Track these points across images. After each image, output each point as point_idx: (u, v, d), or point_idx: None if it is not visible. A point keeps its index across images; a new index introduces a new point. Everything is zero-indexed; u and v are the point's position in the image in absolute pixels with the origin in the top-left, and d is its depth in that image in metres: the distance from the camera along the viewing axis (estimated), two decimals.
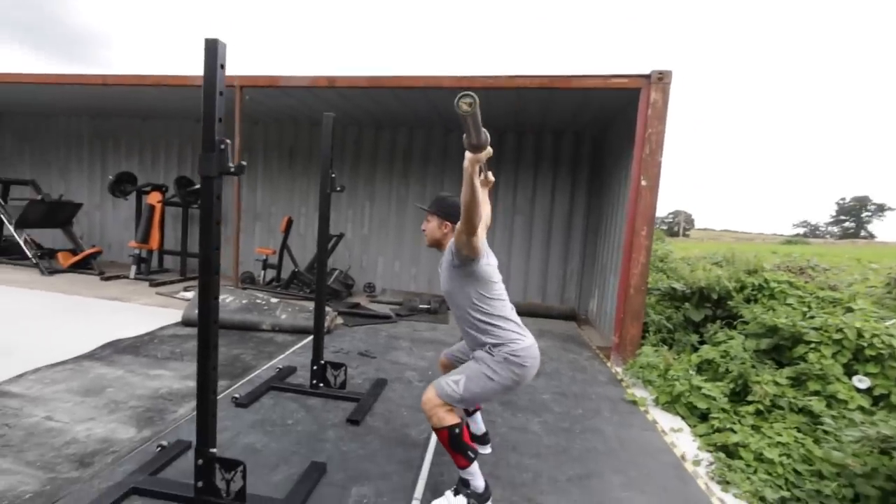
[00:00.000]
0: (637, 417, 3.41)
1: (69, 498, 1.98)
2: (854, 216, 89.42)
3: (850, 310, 3.95)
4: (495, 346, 2.12)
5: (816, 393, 3.33)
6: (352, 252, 7.39)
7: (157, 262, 7.76)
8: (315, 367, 3.24)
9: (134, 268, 6.96)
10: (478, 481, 2.16)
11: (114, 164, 8.33)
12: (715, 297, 4.57)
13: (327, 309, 4.93)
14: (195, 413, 1.98)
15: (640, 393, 3.81)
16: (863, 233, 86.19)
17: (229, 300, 4.84)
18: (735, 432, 3.10)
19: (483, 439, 2.68)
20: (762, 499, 2.53)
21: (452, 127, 7.00)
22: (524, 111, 5.84)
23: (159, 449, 2.34)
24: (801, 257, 6.00)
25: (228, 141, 1.82)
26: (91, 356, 3.70)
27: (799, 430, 3.13)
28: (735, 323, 4.37)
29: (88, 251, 7.24)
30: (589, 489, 2.43)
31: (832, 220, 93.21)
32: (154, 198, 6.98)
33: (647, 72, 4.36)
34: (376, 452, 2.58)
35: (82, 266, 7.15)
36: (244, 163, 1.87)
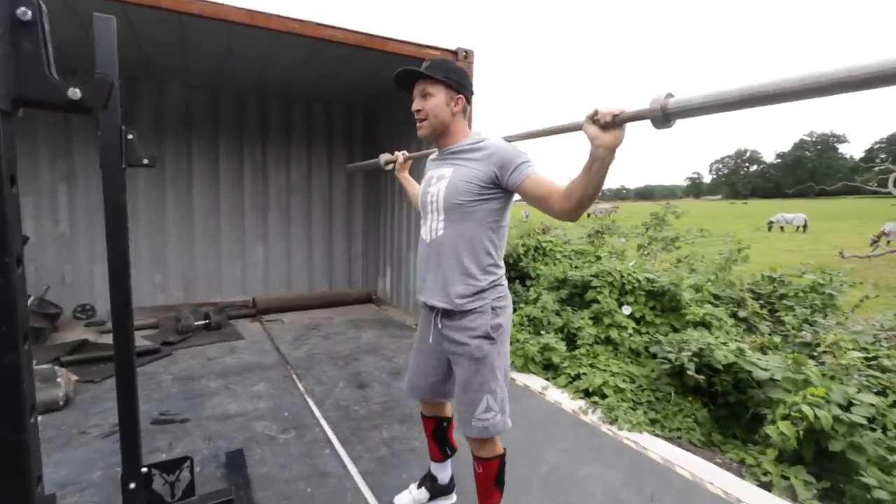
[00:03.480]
0: (513, 388, 3.41)
1: None
2: None
3: (598, 258, 5.07)
4: (485, 302, 1.57)
5: (610, 325, 4.12)
6: (40, 263, 4.47)
7: None
8: (133, 485, 1.75)
9: None
10: None
11: None
12: (512, 260, 5.02)
13: (54, 368, 2.83)
14: None
15: None
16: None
17: None
18: (586, 375, 3.52)
19: (451, 487, 2.06)
20: (645, 423, 2.94)
21: (197, 84, 5.07)
22: (305, 74, 4.76)
23: None
24: (537, 220, 7.37)
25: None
26: None
27: (608, 357, 3.82)
28: (526, 281, 4.96)
29: None
30: (551, 476, 2.25)
31: None
32: None
33: (453, 48, 4.19)
34: None
35: None
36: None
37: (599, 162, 1.18)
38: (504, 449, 1.69)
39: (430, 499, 1.99)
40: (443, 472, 1.99)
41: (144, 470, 1.80)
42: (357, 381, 3.33)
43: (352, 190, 6.14)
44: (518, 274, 5.10)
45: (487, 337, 1.56)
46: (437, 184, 1.60)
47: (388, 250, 5.96)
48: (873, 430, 2.64)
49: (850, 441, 2.52)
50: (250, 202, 5.45)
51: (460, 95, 1.59)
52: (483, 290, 1.56)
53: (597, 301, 4.27)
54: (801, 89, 0.84)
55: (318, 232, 5.92)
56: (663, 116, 1.03)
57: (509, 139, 1.63)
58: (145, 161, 1.78)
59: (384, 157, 2.28)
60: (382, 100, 5.82)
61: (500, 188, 1.49)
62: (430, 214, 1.62)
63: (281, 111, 5.58)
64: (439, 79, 1.54)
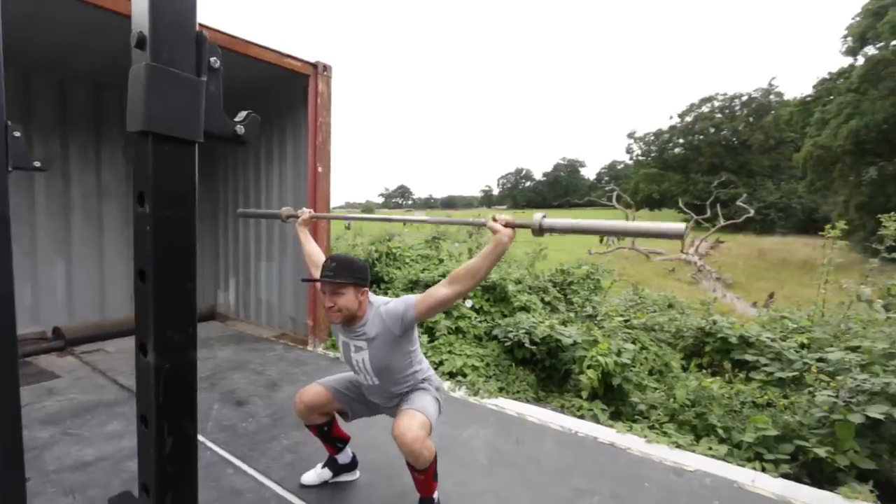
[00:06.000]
0: None
1: None
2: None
3: (441, 261, 5.72)
4: (425, 380, 2.04)
5: (459, 317, 4.78)
6: None
7: None
8: None
9: None
10: (437, 493, 2.00)
11: None
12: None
13: None
14: None
15: None
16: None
17: None
18: (447, 360, 4.05)
19: (353, 465, 2.30)
20: (497, 391, 3.61)
21: None
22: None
23: None
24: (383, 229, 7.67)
25: None
26: None
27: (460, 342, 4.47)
28: (381, 284, 5.27)
29: None
30: (443, 442, 2.65)
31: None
32: None
33: (313, 60, 4.25)
34: None
35: None
36: None
37: (501, 246, 1.67)
38: (435, 452, 1.91)
39: (334, 476, 2.23)
40: (342, 456, 2.24)
41: None
42: (233, 400, 3.12)
43: None
44: (373, 278, 5.37)
45: (424, 380, 2.01)
46: (358, 353, 1.91)
47: (230, 261, 5.46)
48: (633, 367, 3.87)
49: (623, 376, 3.65)
50: (44, 208, 4.27)
51: (364, 287, 1.87)
52: (416, 378, 1.99)
53: None
54: (610, 230, 1.50)
55: None
56: (539, 230, 1.58)
57: (424, 221, 2.05)
58: (37, 164, 1.49)
59: (286, 210, 2.41)
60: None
61: (407, 331, 1.85)
62: (361, 372, 1.94)
63: (90, 98, 4.55)
64: (348, 282, 1.80)
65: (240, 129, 0.74)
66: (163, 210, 0.63)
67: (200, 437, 2.58)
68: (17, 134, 1.42)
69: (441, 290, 1.75)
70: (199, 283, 5.72)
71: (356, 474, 2.29)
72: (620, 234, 1.53)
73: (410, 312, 1.78)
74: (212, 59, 0.68)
